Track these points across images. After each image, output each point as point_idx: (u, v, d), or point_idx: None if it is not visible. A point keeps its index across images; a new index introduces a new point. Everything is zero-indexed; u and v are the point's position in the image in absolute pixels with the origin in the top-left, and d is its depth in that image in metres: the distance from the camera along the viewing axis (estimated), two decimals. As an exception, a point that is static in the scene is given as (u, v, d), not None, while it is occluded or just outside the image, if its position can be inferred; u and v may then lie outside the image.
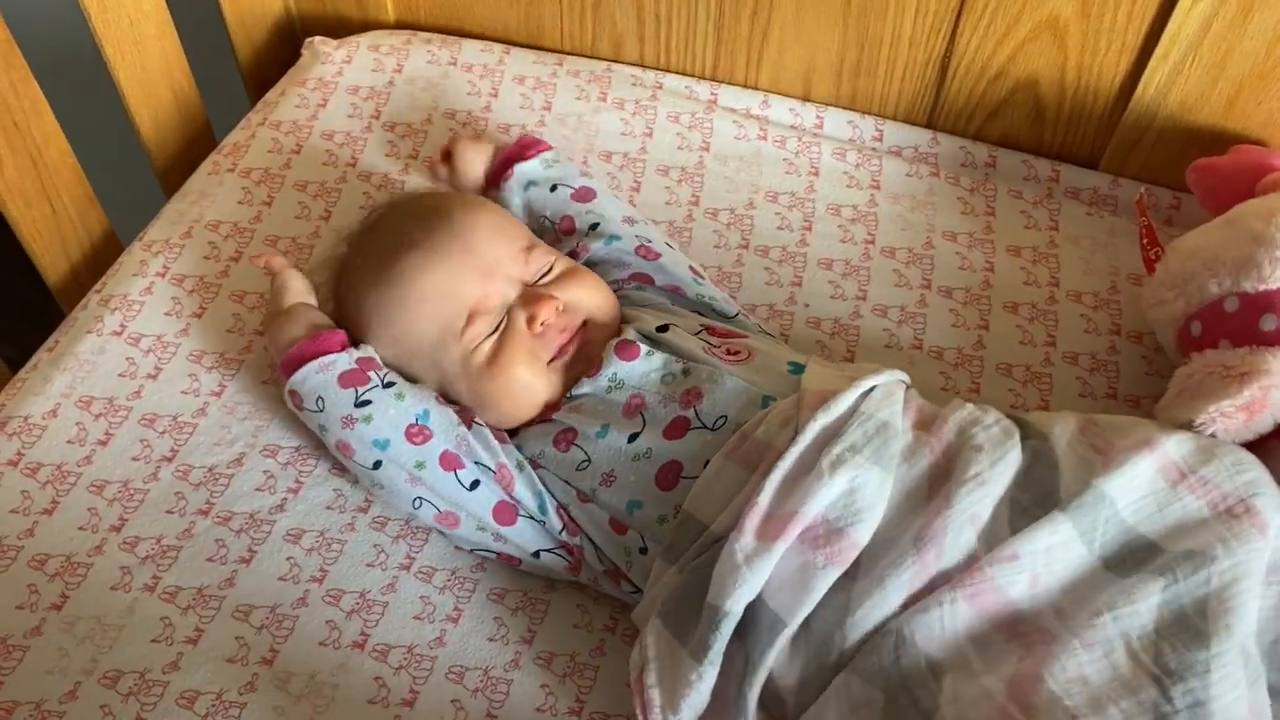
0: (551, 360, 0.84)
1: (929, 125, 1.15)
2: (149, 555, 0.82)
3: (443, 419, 0.82)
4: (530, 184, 0.97)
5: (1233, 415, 0.76)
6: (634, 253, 0.94)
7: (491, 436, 0.82)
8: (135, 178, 1.18)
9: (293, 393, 0.84)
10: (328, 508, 0.86)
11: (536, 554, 0.81)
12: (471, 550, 0.84)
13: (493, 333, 0.83)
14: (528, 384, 0.83)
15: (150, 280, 0.97)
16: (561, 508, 0.81)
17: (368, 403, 0.82)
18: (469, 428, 0.82)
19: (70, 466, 0.86)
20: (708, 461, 0.76)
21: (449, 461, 0.81)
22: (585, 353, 0.84)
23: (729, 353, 0.84)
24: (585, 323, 0.85)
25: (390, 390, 0.83)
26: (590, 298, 0.86)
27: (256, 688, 0.77)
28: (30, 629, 0.78)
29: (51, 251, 1.00)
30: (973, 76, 1.09)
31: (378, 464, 0.81)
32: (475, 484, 0.80)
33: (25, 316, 1.01)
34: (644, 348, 0.83)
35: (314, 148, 1.08)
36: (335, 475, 0.88)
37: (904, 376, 0.81)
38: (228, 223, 1.02)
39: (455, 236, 0.84)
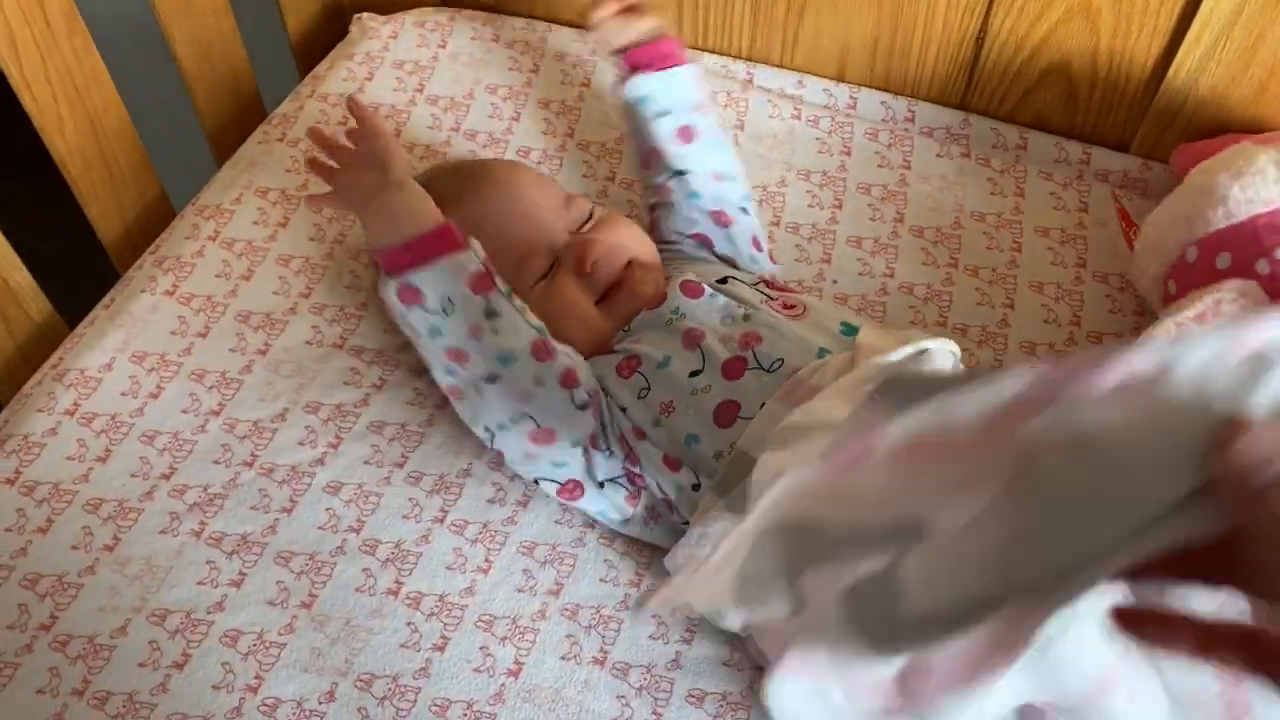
0: (600, 301, 0.87)
1: (961, 106, 1.16)
2: (196, 503, 0.86)
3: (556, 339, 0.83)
4: (641, 99, 0.96)
5: (1187, 325, 0.81)
6: (707, 214, 0.96)
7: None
8: (189, 146, 1.22)
9: (408, 288, 0.79)
10: (365, 462, 0.89)
11: (602, 484, 0.84)
12: (536, 479, 0.84)
13: (543, 276, 0.87)
14: (580, 319, 0.86)
15: (202, 243, 1.01)
16: (623, 438, 0.84)
17: (496, 314, 0.80)
18: None
19: (124, 418, 0.91)
20: (764, 403, 0.79)
21: (569, 379, 0.81)
22: (635, 290, 0.87)
23: (785, 306, 0.86)
24: (630, 263, 0.88)
25: (514, 300, 0.81)
26: (632, 241, 0.90)
27: (295, 629, 0.81)
28: (85, 568, 0.82)
29: (107, 213, 1.04)
30: (1005, 58, 1.11)
31: (494, 377, 0.80)
32: (584, 405, 0.82)
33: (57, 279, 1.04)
34: (708, 289, 0.87)
35: (360, 119, 1.12)
36: (372, 432, 0.91)
37: (954, 347, 0.83)
38: (275, 190, 1.06)
39: (501, 188, 0.89)
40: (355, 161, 0.85)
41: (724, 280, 0.89)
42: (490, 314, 0.80)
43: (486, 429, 0.84)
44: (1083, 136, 1.14)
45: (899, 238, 1.06)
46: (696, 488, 0.80)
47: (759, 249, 0.98)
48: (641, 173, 0.99)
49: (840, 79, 1.18)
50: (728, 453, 0.79)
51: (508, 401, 0.81)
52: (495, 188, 0.89)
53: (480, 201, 0.88)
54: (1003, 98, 1.14)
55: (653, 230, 0.98)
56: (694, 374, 0.82)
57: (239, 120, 1.17)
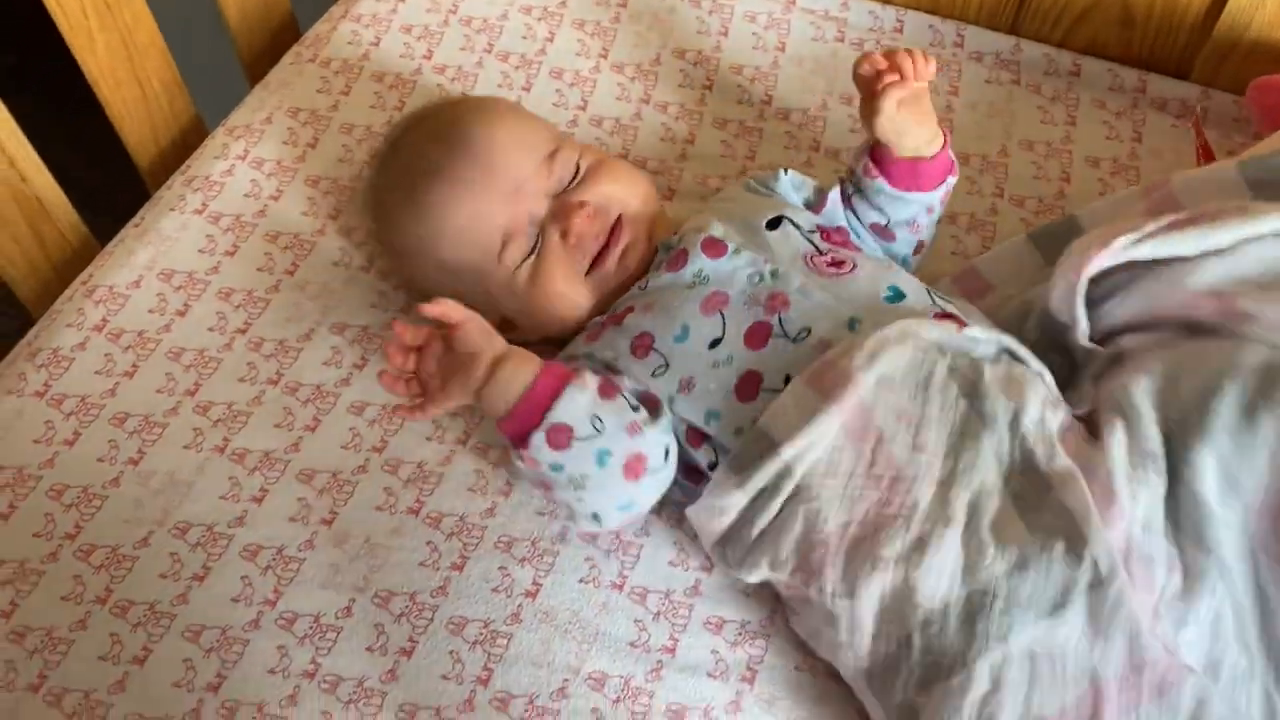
0: (590, 270, 0.84)
1: (1012, 31, 1.12)
2: (220, 419, 0.86)
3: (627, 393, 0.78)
4: (875, 192, 0.88)
5: None
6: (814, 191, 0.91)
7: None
8: (225, 70, 1.22)
9: (557, 428, 0.72)
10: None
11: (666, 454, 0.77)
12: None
13: (529, 254, 0.83)
14: (568, 296, 0.84)
15: (231, 163, 1.01)
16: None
17: (638, 407, 0.76)
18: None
19: (151, 334, 0.91)
20: (788, 376, 0.75)
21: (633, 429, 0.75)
22: (627, 256, 0.84)
23: (833, 262, 0.80)
24: (619, 220, 0.84)
25: (601, 375, 0.78)
26: (621, 191, 0.85)
27: (315, 545, 0.81)
28: (109, 480, 0.83)
29: (140, 133, 1.04)
30: (1060, -21, 1.06)
31: (667, 452, 0.76)
32: (667, 452, 0.77)
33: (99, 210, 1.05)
34: (730, 246, 0.82)
35: (392, 41, 1.10)
36: (399, 353, 0.90)
37: (1010, 343, 0.76)
38: (306, 110, 1.05)
39: (476, 159, 0.83)
40: (454, 362, 0.75)
41: (775, 223, 0.83)
42: (635, 406, 0.76)
43: (594, 515, 0.77)
44: (1139, 63, 1.09)
45: (942, 166, 1.02)
46: (713, 466, 0.77)
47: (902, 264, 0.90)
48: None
49: (887, 1, 1.14)
50: (749, 427, 0.75)
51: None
52: (470, 163, 0.83)
53: (455, 184, 0.83)
54: (1056, 22, 1.09)
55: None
56: (714, 344, 0.78)
57: (273, 41, 1.16)
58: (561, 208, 0.83)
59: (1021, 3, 1.09)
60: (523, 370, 0.74)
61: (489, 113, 0.87)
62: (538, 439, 0.72)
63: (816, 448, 0.71)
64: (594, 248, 0.84)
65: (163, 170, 1.06)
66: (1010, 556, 0.67)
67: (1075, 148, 1.04)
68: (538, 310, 0.85)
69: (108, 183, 1.13)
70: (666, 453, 0.76)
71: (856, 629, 0.69)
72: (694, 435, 0.79)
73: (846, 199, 0.90)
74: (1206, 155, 0.98)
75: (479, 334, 0.74)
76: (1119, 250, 0.74)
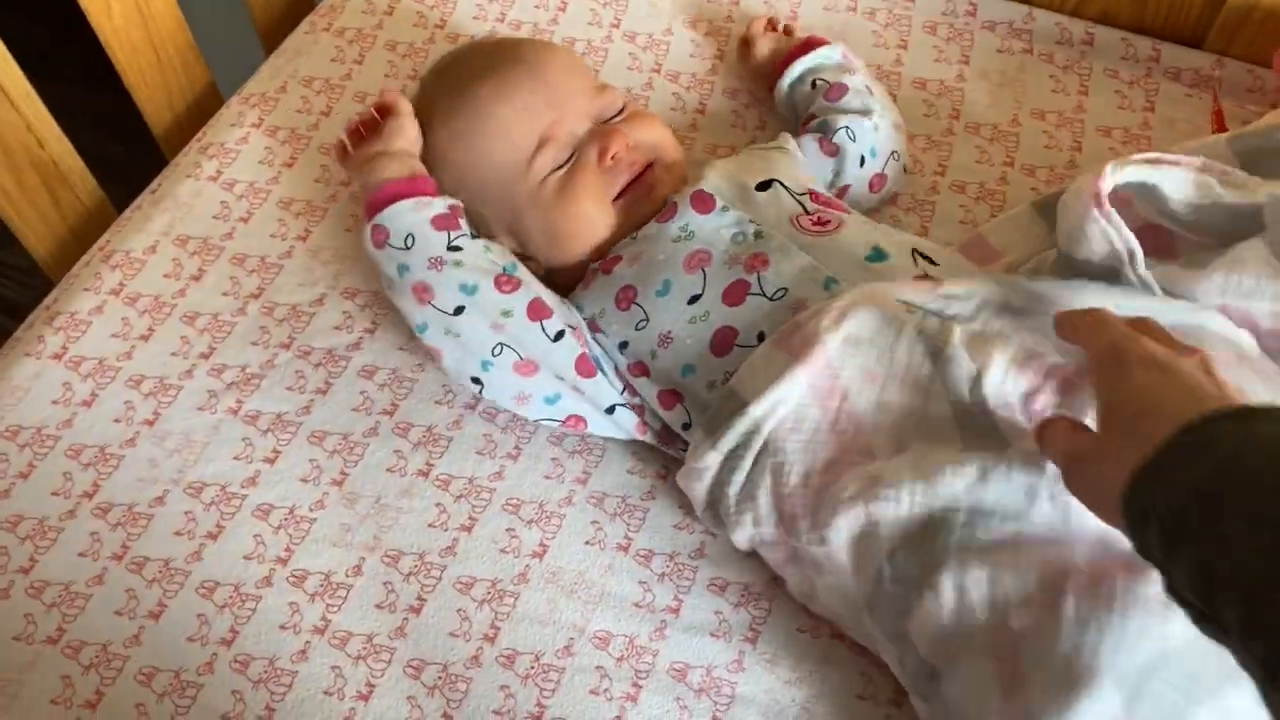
0: (617, 197, 0.85)
1: (1025, 0, 1.11)
2: (234, 382, 0.88)
3: (528, 274, 0.84)
4: (797, 80, 0.98)
5: None
6: (820, 140, 0.94)
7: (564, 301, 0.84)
8: (241, 38, 1.23)
9: (378, 227, 0.82)
10: (400, 348, 0.90)
11: (611, 409, 0.82)
12: (538, 420, 0.84)
13: (562, 165, 0.85)
14: (592, 218, 0.85)
15: (246, 130, 1.02)
16: (619, 372, 0.83)
17: (458, 248, 0.82)
18: None
19: (166, 298, 0.92)
20: (762, 333, 0.77)
21: (536, 310, 0.81)
22: (650, 193, 0.85)
23: (818, 222, 0.82)
24: (651, 164, 0.86)
25: (479, 240, 0.84)
26: (658, 140, 0.87)
27: (326, 505, 0.82)
28: (126, 440, 0.85)
29: (155, 100, 1.05)
30: (1074, -52, 1.06)
31: (460, 309, 0.80)
32: (560, 335, 0.81)
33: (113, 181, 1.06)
34: (720, 202, 0.83)
35: (406, 9, 1.11)
36: (409, 319, 0.91)
37: (992, 296, 0.74)
38: (320, 79, 1.06)
39: (528, 69, 0.86)
40: (370, 145, 0.88)
41: (766, 185, 0.85)
42: (452, 248, 0.81)
43: (474, 378, 0.82)
44: (1152, 32, 1.08)
45: (953, 135, 1.03)
46: (687, 427, 0.79)
47: (874, 191, 0.95)
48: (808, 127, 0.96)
49: (900, -30, 1.13)
50: (720, 382, 0.76)
51: (480, 334, 0.80)
52: (520, 69, 0.86)
53: (502, 83, 0.86)
54: (1070, -10, 1.09)
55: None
56: (693, 299, 0.80)
57: (289, 10, 1.16)
58: (603, 131, 0.85)
59: (1035, -28, 1.09)
60: (390, 168, 0.84)
61: (547, 43, 0.93)
62: (366, 229, 0.84)
63: (783, 406, 0.72)
64: (625, 177, 0.85)
65: (178, 137, 1.07)
66: (969, 472, 0.66)
67: (1087, 117, 1.04)
68: (557, 226, 0.85)
69: (131, 159, 1.15)
70: (459, 308, 0.81)
71: (837, 571, 0.70)
72: (667, 396, 0.80)
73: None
74: (1219, 123, 0.98)
75: (393, 133, 0.87)
76: (1108, 176, 0.73)
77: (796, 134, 0.95)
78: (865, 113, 0.94)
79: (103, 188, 1.02)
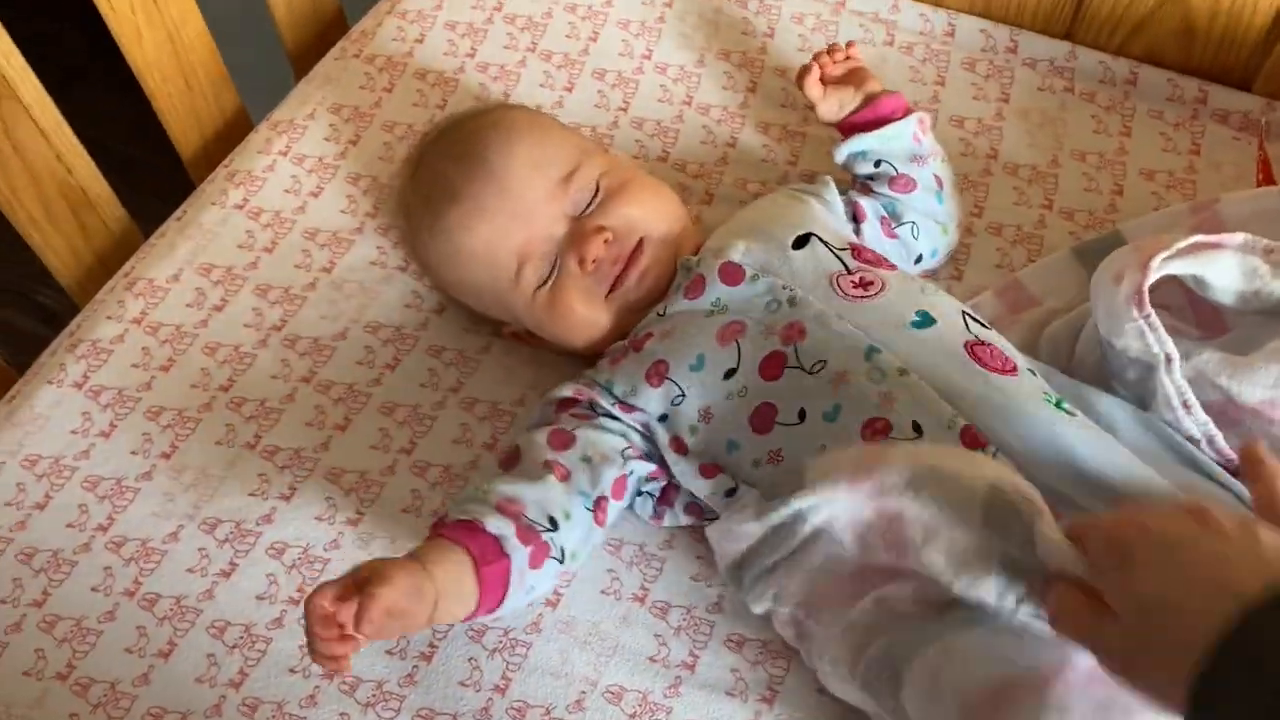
0: (610, 293, 0.83)
1: (1067, 37, 1.08)
2: (253, 415, 0.87)
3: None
4: (854, 155, 0.91)
5: None
6: (890, 185, 0.90)
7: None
8: (275, 66, 1.22)
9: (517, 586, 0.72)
10: (421, 385, 0.89)
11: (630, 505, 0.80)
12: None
13: (545, 280, 0.83)
14: (589, 319, 0.83)
15: (273, 158, 1.01)
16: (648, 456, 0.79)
17: (555, 524, 0.73)
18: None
19: (188, 328, 0.92)
20: (803, 410, 0.73)
21: (506, 461, 0.78)
22: (643, 279, 0.83)
23: (860, 283, 0.78)
24: (641, 242, 0.83)
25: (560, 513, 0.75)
26: (641, 213, 0.83)
27: (341, 546, 0.81)
28: (142, 473, 0.84)
29: (185, 125, 1.05)
30: (1119, -14, 1.03)
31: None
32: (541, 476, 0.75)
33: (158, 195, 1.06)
34: (750, 272, 0.80)
35: (436, 38, 1.10)
36: (430, 356, 0.90)
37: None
38: (349, 106, 1.05)
39: (491, 181, 0.83)
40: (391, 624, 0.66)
41: (803, 241, 0.81)
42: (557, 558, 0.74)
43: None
44: (1200, 73, 1.05)
45: (990, 175, 1.00)
46: (731, 492, 0.75)
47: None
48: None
49: (939, 4, 1.11)
50: (765, 461, 0.74)
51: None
52: (487, 183, 0.83)
53: (472, 207, 0.83)
54: (1114, 29, 1.06)
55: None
56: (729, 374, 0.77)
57: (320, 36, 1.16)
58: (579, 232, 0.82)
59: (1078, 9, 1.06)
60: (463, 591, 0.69)
61: (508, 130, 0.86)
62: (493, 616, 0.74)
63: (842, 508, 0.68)
64: (612, 272, 0.82)
65: (205, 163, 1.07)
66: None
67: (1129, 159, 1.01)
68: (557, 332, 0.85)
69: (159, 174, 1.15)
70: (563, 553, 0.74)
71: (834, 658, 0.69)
72: (706, 470, 0.77)
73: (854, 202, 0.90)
74: (1265, 172, 0.95)
75: (403, 598, 0.64)
76: (1152, 272, 0.71)
77: (849, 190, 0.91)
78: (931, 216, 0.91)
79: (132, 196, 1.02)
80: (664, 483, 0.80)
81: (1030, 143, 1.02)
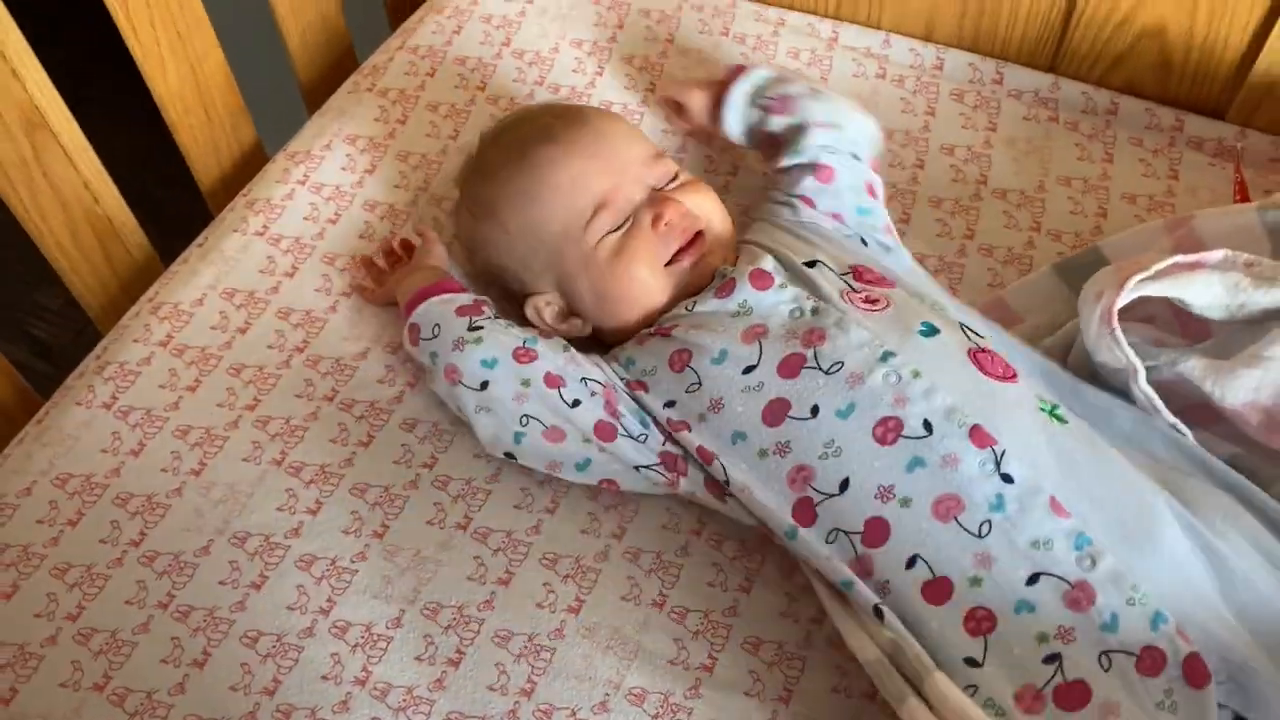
0: (669, 263, 0.87)
1: (1051, 70, 1.14)
2: (278, 433, 0.90)
3: (548, 346, 0.86)
4: (731, 106, 0.99)
5: None
6: (811, 169, 0.94)
7: (597, 360, 0.87)
8: (286, 99, 1.26)
9: (412, 326, 0.88)
10: (440, 404, 0.91)
11: (637, 468, 0.84)
12: (577, 481, 0.85)
13: (617, 229, 0.87)
14: (645, 281, 0.87)
15: (291, 187, 1.05)
16: (659, 424, 0.84)
17: (480, 328, 0.86)
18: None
19: (213, 350, 0.94)
20: (815, 406, 0.78)
21: (552, 380, 0.84)
22: (701, 260, 0.88)
23: (867, 300, 0.83)
24: (701, 232, 0.88)
25: (500, 321, 0.88)
26: (709, 210, 0.90)
27: (367, 558, 0.84)
28: (172, 490, 0.87)
29: (204, 156, 1.08)
30: (1098, 22, 1.08)
31: (485, 384, 0.84)
32: (576, 402, 0.83)
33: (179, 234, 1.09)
34: (778, 280, 0.85)
35: (447, 71, 1.14)
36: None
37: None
38: (364, 138, 1.09)
39: (592, 133, 0.90)
40: (406, 268, 0.96)
41: (812, 264, 0.87)
42: (473, 328, 0.85)
43: (507, 453, 0.85)
44: (1176, 103, 1.11)
45: (980, 200, 1.05)
46: (727, 483, 0.80)
47: (874, 195, 0.95)
48: (775, 153, 0.98)
49: (928, 39, 1.17)
50: (772, 452, 0.78)
51: (508, 404, 0.83)
52: (584, 133, 0.89)
53: (566, 145, 0.89)
54: (1094, 62, 1.12)
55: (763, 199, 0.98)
56: (748, 370, 0.81)
57: (331, 70, 1.20)
58: (659, 198, 0.88)
59: (1060, 43, 1.12)
60: (421, 278, 0.91)
61: (609, 112, 0.97)
62: (405, 334, 0.90)
63: None
64: (678, 243, 0.87)
65: (224, 192, 1.10)
66: None
67: (1112, 184, 1.06)
68: (609, 288, 0.88)
69: (180, 211, 1.18)
70: (484, 383, 0.84)
71: None
72: (704, 454, 0.81)
73: (770, 194, 0.97)
74: (1242, 193, 1.00)
75: (423, 253, 0.96)
76: (1125, 293, 0.77)
77: (771, 166, 0.97)
78: (831, 125, 0.96)
79: (144, 228, 1.05)
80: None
81: (1017, 169, 1.07)
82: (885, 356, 0.78)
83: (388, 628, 0.81)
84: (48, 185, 0.94)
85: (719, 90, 1.01)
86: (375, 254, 1.00)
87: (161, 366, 0.93)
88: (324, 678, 0.78)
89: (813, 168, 0.94)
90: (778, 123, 0.97)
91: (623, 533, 0.86)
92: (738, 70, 1.01)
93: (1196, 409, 0.78)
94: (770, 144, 0.99)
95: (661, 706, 0.77)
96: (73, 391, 0.93)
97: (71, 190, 0.95)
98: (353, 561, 0.84)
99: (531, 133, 0.91)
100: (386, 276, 0.97)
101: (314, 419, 0.91)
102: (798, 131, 0.96)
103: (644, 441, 0.84)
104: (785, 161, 0.95)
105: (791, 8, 1.20)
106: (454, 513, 0.86)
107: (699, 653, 0.80)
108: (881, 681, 0.71)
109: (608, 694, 0.78)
